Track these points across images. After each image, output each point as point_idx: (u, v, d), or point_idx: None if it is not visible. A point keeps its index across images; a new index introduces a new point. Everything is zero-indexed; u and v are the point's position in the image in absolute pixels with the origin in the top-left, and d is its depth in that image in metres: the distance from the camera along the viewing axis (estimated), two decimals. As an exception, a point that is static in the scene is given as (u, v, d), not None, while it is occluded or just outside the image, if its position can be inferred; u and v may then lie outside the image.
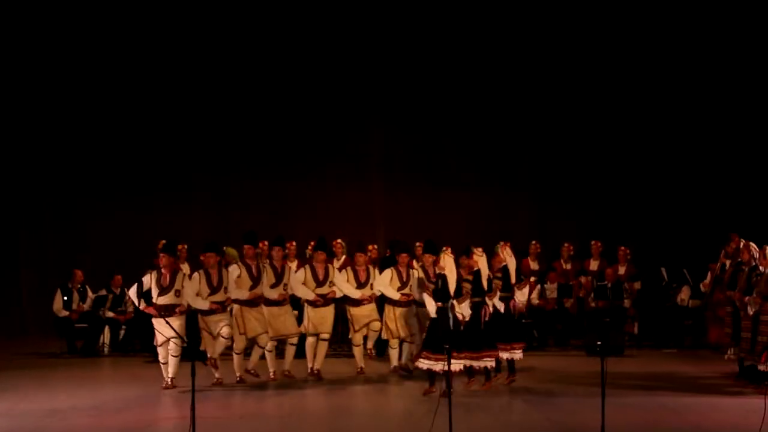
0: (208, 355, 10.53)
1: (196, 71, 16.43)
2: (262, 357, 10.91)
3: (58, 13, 16.08)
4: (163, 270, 10.48)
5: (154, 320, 10.41)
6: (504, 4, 16.39)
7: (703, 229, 15.15)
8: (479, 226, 16.12)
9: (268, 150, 16.62)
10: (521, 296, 10.62)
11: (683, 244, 15.24)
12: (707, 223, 15.25)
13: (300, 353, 11.31)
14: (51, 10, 16.05)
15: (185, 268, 11.99)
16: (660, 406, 9.13)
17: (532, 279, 13.74)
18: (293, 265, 12.20)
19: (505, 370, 10.36)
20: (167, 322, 9.77)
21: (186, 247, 12.81)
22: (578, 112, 16.56)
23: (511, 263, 10.41)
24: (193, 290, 10.48)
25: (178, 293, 10.42)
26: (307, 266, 11.37)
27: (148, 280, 10.48)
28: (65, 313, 13.82)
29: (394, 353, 11.33)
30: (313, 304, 11.16)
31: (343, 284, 11.33)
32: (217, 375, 10.57)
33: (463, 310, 9.81)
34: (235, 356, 10.72)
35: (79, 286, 14.05)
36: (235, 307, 10.76)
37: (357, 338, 11.41)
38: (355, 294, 11.31)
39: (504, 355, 10.18)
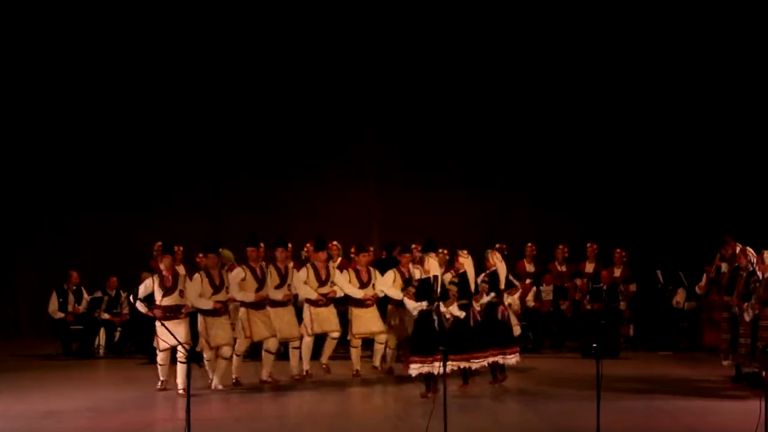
0: (205, 358, 10.50)
1: (195, 72, 16.40)
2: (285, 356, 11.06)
3: (58, 15, 16.05)
4: (164, 271, 10.45)
5: (158, 328, 10.03)
6: (503, 5, 16.39)
7: (699, 231, 15.14)
8: (476, 227, 16.16)
9: (266, 152, 16.60)
10: (512, 301, 10.62)
11: (679, 246, 15.23)
12: (703, 225, 15.24)
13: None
14: (51, 12, 16.03)
15: (181, 269, 11.95)
16: (655, 408, 9.13)
17: (528, 281, 13.77)
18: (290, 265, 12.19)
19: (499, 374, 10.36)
20: (169, 331, 9.51)
21: (182, 248, 12.79)
22: (576, 114, 16.56)
23: (501, 268, 10.40)
24: (196, 291, 10.42)
25: (182, 293, 10.37)
26: (309, 266, 11.41)
27: (150, 283, 10.41)
28: (60, 314, 13.77)
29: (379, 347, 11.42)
30: (315, 303, 11.21)
31: (345, 285, 11.36)
32: (212, 377, 10.53)
33: (453, 311, 9.85)
34: (234, 358, 10.70)
35: (74, 287, 14.01)
36: (241, 310, 10.76)
37: (355, 340, 11.42)
38: (358, 294, 11.34)
39: (498, 360, 10.18)
